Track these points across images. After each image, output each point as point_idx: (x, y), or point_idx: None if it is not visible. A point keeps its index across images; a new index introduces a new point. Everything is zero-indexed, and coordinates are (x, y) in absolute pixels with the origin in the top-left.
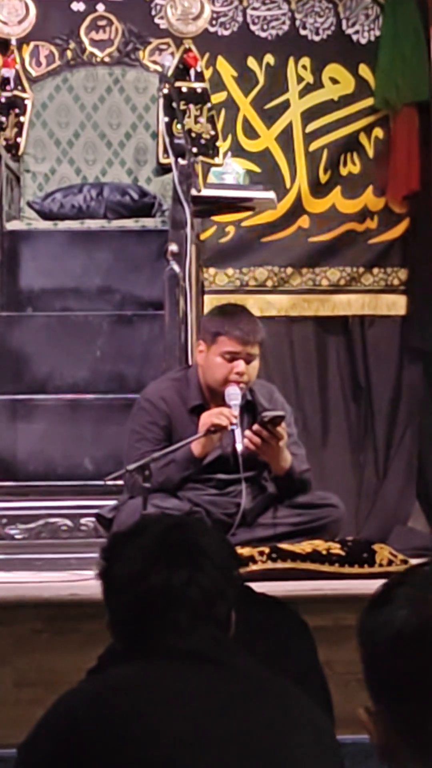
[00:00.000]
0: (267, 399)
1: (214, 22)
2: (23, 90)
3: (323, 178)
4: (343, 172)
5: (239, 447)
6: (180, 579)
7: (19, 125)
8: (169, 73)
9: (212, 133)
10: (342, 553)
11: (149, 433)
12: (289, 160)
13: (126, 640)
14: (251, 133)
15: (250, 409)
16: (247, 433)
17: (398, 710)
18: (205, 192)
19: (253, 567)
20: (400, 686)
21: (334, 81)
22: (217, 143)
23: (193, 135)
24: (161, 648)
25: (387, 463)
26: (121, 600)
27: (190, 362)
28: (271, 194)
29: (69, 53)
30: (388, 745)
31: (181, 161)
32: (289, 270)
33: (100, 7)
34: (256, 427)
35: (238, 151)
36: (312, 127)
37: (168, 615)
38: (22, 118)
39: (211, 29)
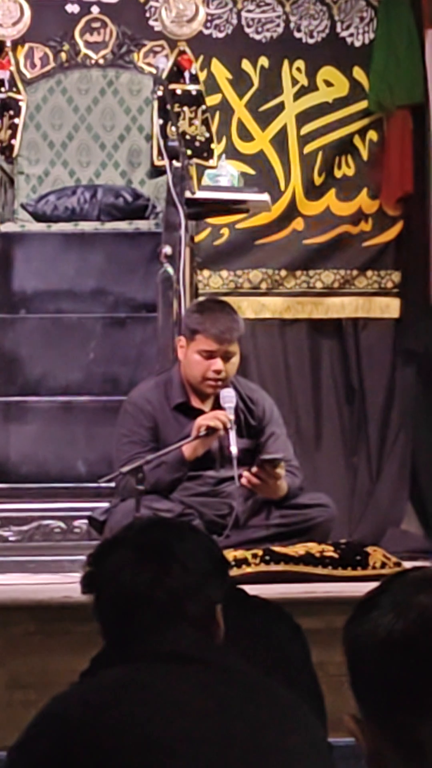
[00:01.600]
0: (249, 398)
1: (208, 25)
2: (18, 92)
3: (317, 180)
4: (338, 174)
5: (234, 450)
6: (144, 579)
7: (14, 127)
8: (164, 75)
9: (206, 135)
10: (335, 555)
11: (136, 436)
12: (284, 163)
13: (109, 642)
14: (246, 135)
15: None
16: (246, 474)
17: (386, 718)
18: (200, 194)
19: (246, 569)
20: (387, 693)
21: (329, 84)
22: (212, 145)
23: (188, 137)
24: (137, 650)
25: (380, 466)
26: (99, 602)
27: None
28: (265, 196)
29: (63, 55)
30: (377, 753)
31: (175, 163)
32: (283, 272)
33: (95, 10)
34: (255, 469)
35: (232, 153)
36: (306, 129)
37: (135, 616)
38: (16, 120)
39: (206, 31)
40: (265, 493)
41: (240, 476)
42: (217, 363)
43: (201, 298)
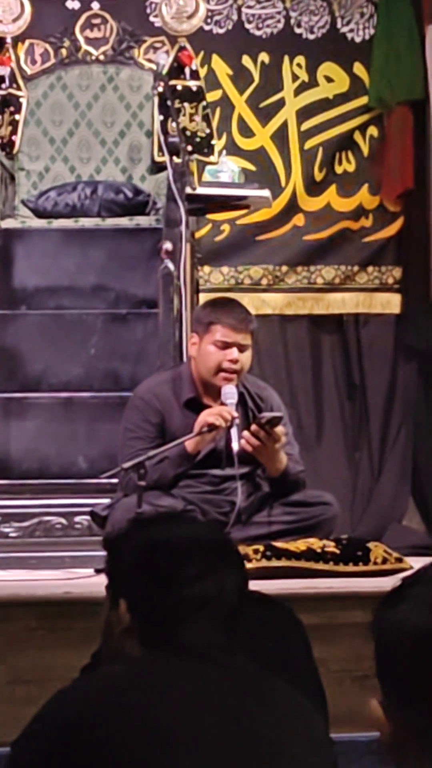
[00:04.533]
0: (258, 396)
1: (208, 21)
2: (18, 88)
3: (318, 176)
4: (338, 170)
5: (235, 446)
6: (190, 574)
7: (14, 123)
8: (164, 71)
9: (207, 131)
10: (336, 551)
11: (142, 431)
12: (284, 159)
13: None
14: (246, 131)
15: (240, 402)
16: (245, 434)
17: (410, 709)
18: (200, 190)
19: (248, 565)
20: (412, 685)
21: (329, 79)
22: (212, 141)
23: (188, 133)
24: (168, 642)
25: (382, 462)
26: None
27: (184, 361)
28: (266, 192)
29: (63, 51)
30: (397, 742)
31: (175, 159)
32: (284, 268)
33: (95, 6)
34: (253, 427)
35: (233, 149)
36: (307, 125)
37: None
38: (17, 116)
39: (206, 27)
40: (265, 459)
41: (240, 451)
42: (233, 352)
43: (209, 298)
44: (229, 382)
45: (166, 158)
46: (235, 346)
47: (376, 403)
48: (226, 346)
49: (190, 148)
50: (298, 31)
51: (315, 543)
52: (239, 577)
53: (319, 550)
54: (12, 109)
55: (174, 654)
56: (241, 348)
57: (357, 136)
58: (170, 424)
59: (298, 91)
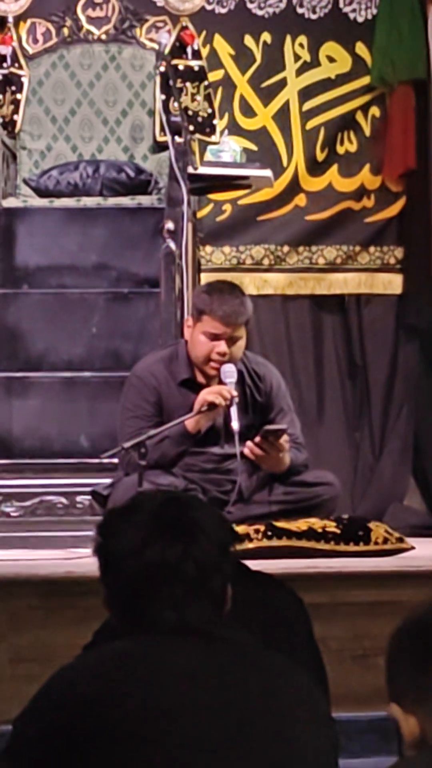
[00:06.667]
0: (256, 373)
1: (210, 0)
2: (20, 67)
3: (320, 156)
4: (340, 150)
5: (235, 425)
6: (175, 553)
7: (16, 102)
8: (166, 50)
9: (209, 111)
10: (337, 531)
11: (140, 411)
12: (286, 139)
13: (122, 615)
14: (248, 111)
15: (239, 380)
16: (249, 444)
17: None
18: (202, 170)
19: (249, 545)
20: None
21: (331, 59)
22: (214, 121)
23: (190, 113)
24: (157, 623)
25: (383, 441)
26: (117, 576)
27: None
28: (267, 172)
29: (66, 30)
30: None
31: (177, 139)
32: (286, 248)
33: None
34: (258, 439)
35: (234, 129)
36: (309, 105)
37: (163, 589)
38: (18, 96)
39: (208, 7)
40: (267, 465)
41: (242, 452)
42: (222, 345)
43: (211, 280)
44: (218, 372)
45: (168, 138)
46: (224, 338)
47: (377, 382)
48: (215, 337)
49: (192, 127)
50: (300, 10)
51: (316, 523)
52: (210, 547)
53: (320, 530)
54: (14, 88)
55: (171, 631)
56: (232, 340)
57: (359, 116)
58: (167, 402)
59: (300, 71)
